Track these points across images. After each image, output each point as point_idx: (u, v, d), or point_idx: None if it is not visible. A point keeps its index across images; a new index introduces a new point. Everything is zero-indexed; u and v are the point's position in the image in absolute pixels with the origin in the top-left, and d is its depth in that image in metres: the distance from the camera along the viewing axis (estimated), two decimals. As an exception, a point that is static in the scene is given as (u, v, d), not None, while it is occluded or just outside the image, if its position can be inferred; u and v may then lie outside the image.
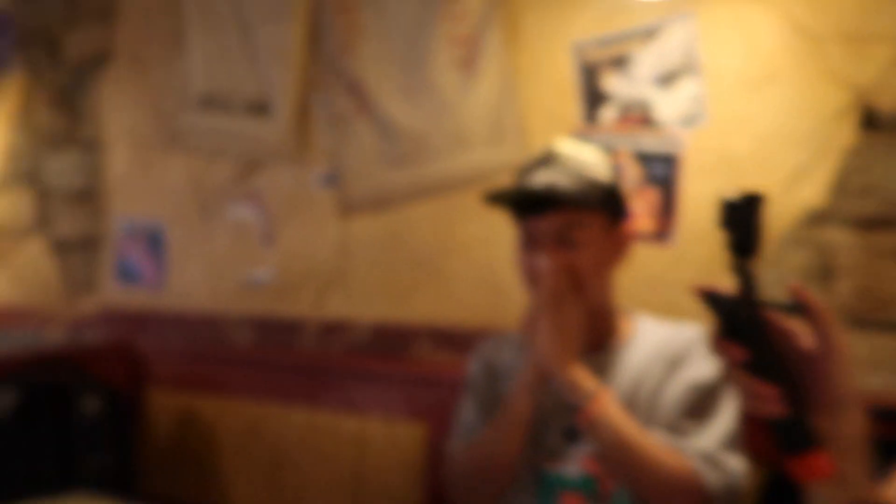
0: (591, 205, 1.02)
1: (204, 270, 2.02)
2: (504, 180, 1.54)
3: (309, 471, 1.71)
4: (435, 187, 1.64)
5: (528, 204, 1.04)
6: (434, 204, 1.64)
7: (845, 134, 1.26)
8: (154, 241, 2.13)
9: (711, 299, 0.63)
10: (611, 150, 1.37)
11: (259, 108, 1.88)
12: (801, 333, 0.62)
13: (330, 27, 1.78)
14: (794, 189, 1.29)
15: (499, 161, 1.55)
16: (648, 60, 1.38)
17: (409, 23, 1.65)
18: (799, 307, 0.62)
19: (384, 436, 1.59)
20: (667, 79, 1.37)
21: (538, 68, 1.52)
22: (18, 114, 2.49)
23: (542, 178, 1.02)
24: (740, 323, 0.61)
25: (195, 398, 1.94)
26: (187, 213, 2.05)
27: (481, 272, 1.59)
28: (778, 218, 1.29)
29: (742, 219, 0.63)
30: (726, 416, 0.98)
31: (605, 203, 1.03)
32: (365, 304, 1.75)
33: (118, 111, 2.21)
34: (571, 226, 1.01)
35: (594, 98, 1.44)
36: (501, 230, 1.53)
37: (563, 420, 1.02)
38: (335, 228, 1.79)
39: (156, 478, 1.93)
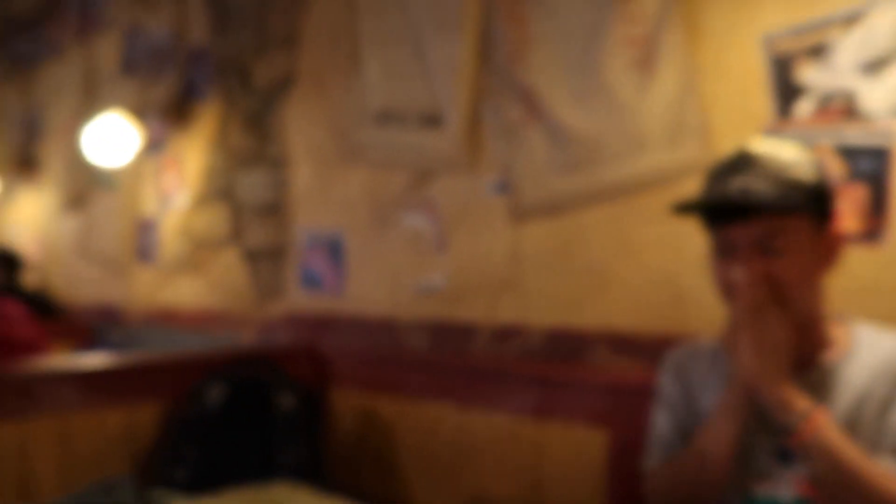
0: (795, 209, 0.95)
1: (380, 277, 2.13)
2: (685, 182, 1.49)
3: (486, 473, 1.75)
4: (609, 191, 1.61)
5: (723, 211, 0.99)
6: (609, 208, 1.62)
7: None
8: (334, 250, 2.27)
9: None
10: (810, 146, 1.28)
11: (432, 120, 1.96)
12: None
13: (500, 37, 1.82)
14: None
15: (679, 163, 1.50)
16: (851, 47, 1.27)
17: (581, 27, 1.65)
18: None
19: (564, 441, 1.59)
20: (873, 66, 1.26)
21: (722, 64, 1.45)
22: (215, 137, 2.78)
23: (737, 183, 0.97)
24: None
25: (375, 398, 2.05)
26: (364, 223, 2.18)
27: (660, 277, 1.54)
28: None
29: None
30: None
31: (811, 205, 0.96)
32: (538, 309, 1.76)
33: (301, 130, 2.40)
34: (773, 233, 0.95)
35: (787, 91, 1.35)
36: (682, 234, 1.48)
37: (772, 440, 0.96)
38: (507, 235, 1.82)
39: (340, 472, 2.06)
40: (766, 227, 0.95)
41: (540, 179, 1.74)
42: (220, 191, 2.75)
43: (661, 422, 1.11)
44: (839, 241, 1.00)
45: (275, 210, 2.50)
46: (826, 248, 0.99)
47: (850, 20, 1.28)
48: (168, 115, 2.98)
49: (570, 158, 1.68)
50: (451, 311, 1.94)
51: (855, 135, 1.28)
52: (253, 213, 2.60)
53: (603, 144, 1.62)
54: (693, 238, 1.45)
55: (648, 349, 1.53)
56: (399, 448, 1.95)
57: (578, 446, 1.55)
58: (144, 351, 2.76)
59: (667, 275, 1.53)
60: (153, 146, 3.09)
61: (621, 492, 1.45)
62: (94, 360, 1.91)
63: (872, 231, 1.26)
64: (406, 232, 2.05)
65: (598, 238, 1.64)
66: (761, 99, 1.39)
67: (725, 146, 1.43)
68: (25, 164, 4.21)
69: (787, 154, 0.99)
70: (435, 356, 1.96)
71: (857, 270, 1.25)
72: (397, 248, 2.08)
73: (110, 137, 2.94)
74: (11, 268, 3.67)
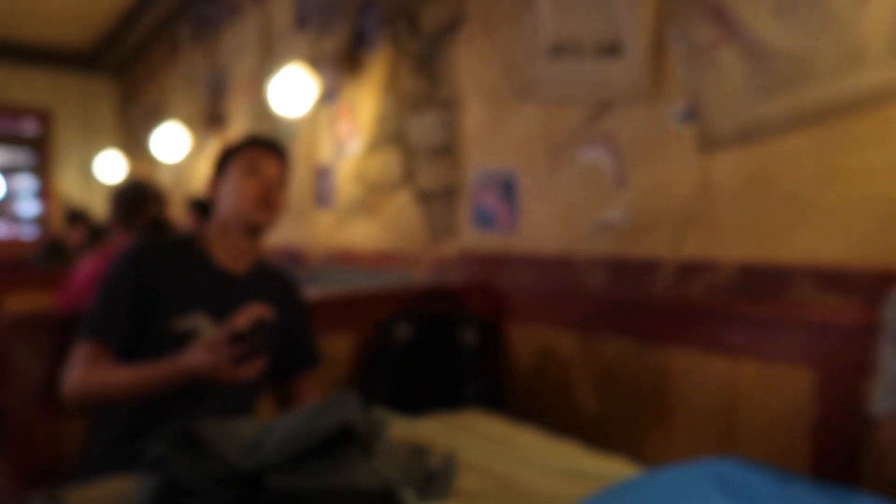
0: None
1: (555, 214, 2.12)
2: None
3: (670, 411, 1.72)
4: (817, 114, 1.48)
5: None
6: (816, 132, 1.49)
7: None
8: (507, 188, 2.29)
9: None
10: None
11: (611, 49, 1.88)
12: None
13: (687, -46, 1.69)
14: None
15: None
16: None
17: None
18: None
19: (760, 381, 1.52)
20: None
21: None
22: (386, 83, 2.86)
23: None
24: None
25: (552, 333, 2.07)
26: (538, 160, 2.16)
27: (878, 206, 1.40)
28: None
29: None
30: None
31: None
32: (730, 243, 1.67)
33: (471, 70, 2.40)
34: None
35: None
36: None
37: None
38: (694, 166, 1.73)
39: (521, 404, 2.12)
40: None
41: (733, 105, 1.63)
42: (392, 135, 2.84)
43: (889, 361, 1.02)
44: None
45: (446, 151, 2.55)
46: None
47: None
48: (340, 64, 3.11)
49: (769, 80, 1.55)
50: (630, 247, 1.90)
51: None
52: (425, 155, 2.67)
53: (811, 62, 1.47)
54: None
55: (863, 285, 1.40)
56: (577, 384, 1.97)
57: (779, 389, 1.47)
58: (329, 288, 2.97)
59: (886, 203, 1.39)
60: (327, 96, 3.25)
61: (830, 438, 1.37)
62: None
63: None
64: (582, 168, 2.02)
65: (802, 165, 1.52)
66: None
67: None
68: (213, 120, 4.60)
69: None
70: (614, 293, 1.93)
71: None
72: (573, 184, 2.05)
73: (289, 89, 3.12)
74: (206, 214, 4.06)
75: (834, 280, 1.46)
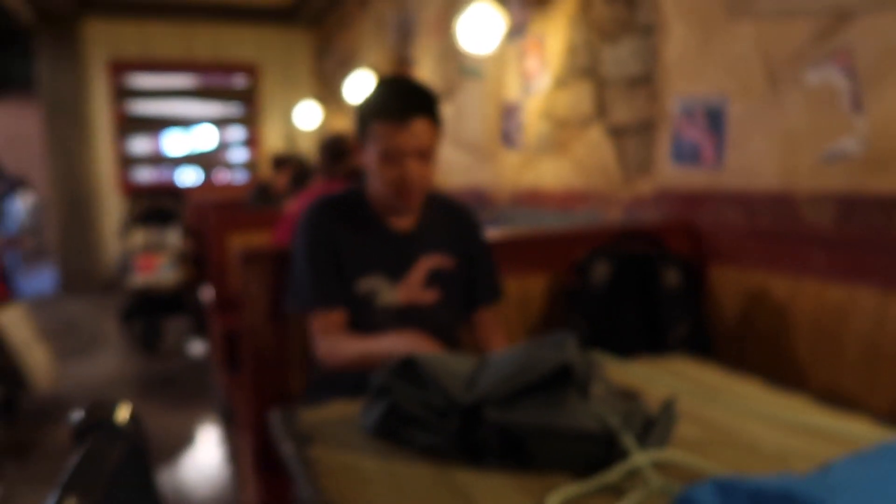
0: None
1: (772, 146, 1.91)
2: None
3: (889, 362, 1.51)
4: None
5: None
6: None
7: None
8: (714, 119, 2.09)
9: None
10: None
11: (852, -50, 1.62)
12: None
13: None
14: None
15: None
16: None
17: None
18: None
19: None
20: None
21: None
22: (576, 13, 2.72)
23: None
24: None
25: (763, 277, 1.89)
26: (752, 86, 1.94)
27: None
28: None
29: None
30: None
31: None
32: None
33: (675, -10, 2.20)
34: None
35: None
36: None
37: None
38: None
39: (726, 349, 1.98)
40: None
41: None
42: (582, 68, 2.72)
43: None
44: None
45: (644, 81, 2.39)
46: None
47: None
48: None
49: None
50: (867, 181, 1.66)
51: None
52: (619, 87, 2.52)
53: None
54: None
55: None
56: (793, 330, 1.79)
57: None
58: (518, 229, 2.97)
59: None
60: (515, 31, 3.17)
61: None
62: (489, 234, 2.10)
63: None
64: (808, 91, 1.78)
65: None
66: None
67: None
68: (401, 64, 4.72)
69: None
70: (845, 232, 1.71)
71: None
72: (796, 111, 1.82)
73: (477, 26, 3.09)
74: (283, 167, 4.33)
75: None
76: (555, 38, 2.88)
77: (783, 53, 1.84)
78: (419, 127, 1.37)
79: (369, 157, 1.45)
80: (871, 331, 1.61)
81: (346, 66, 6.00)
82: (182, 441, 3.16)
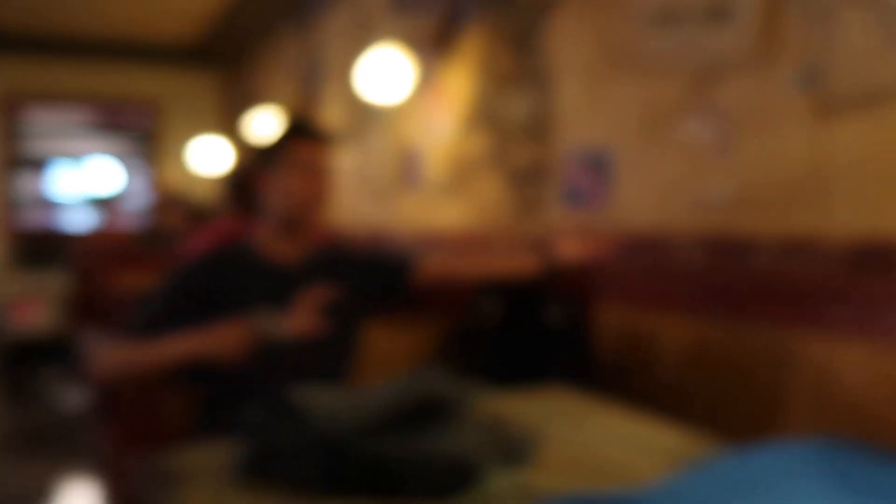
0: None
1: (652, 190, 2.02)
2: None
3: (760, 394, 1.60)
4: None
5: None
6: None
7: None
8: (600, 166, 2.20)
9: None
10: None
11: (719, 13, 1.76)
12: None
13: None
14: None
15: None
16: None
17: None
18: None
19: (865, 367, 1.38)
20: None
21: None
22: (480, 61, 2.82)
23: None
24: None
25: (641, 313, 1.98)
26: (635, 135, 2.06)
27: None
28: None
29: None
30: None
31: None
32: (845, 217, 1.52)
33: (567, 44, 2.32)
34: None
35: None
36: None
37: None
38: (807, 136, 1.59)
39: (609, 384, 2.03)
40: None
41: (859, 67, 1.48)
42: (484, 114, 2.80)
43: None
44: None
45: (539, 128, 2.48)
46: None
47: None
48: (435, 45, 3.09)
49: (901, 37, 1.39)
50: (731, 224, 1.78)
51: None
52: (516, 133, 2.61)
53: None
54: None
55: None
56: (664, 363, 1.87)
57: (886, 373, 1.34)
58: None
59: None
60: (421, 77, 3.24)
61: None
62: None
63: None
64: (682, 141, 1.90)
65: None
66: None
67: None
68: (308, 106, 4.72)
69: None
70: (711, 271, 1.82)
71: None
72: (671, 159, 1.94)
73: (383, 73, 3.13)
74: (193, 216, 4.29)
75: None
76: (458, 84, 2.97)
77: (661, 106, 1.96)
78: (329, 149, 1.57)
79: (277, 179, 1.51)
80: (727, 357, 1.70)
81: (253, 107, 5.94)
82: (49, 496, 2.91)
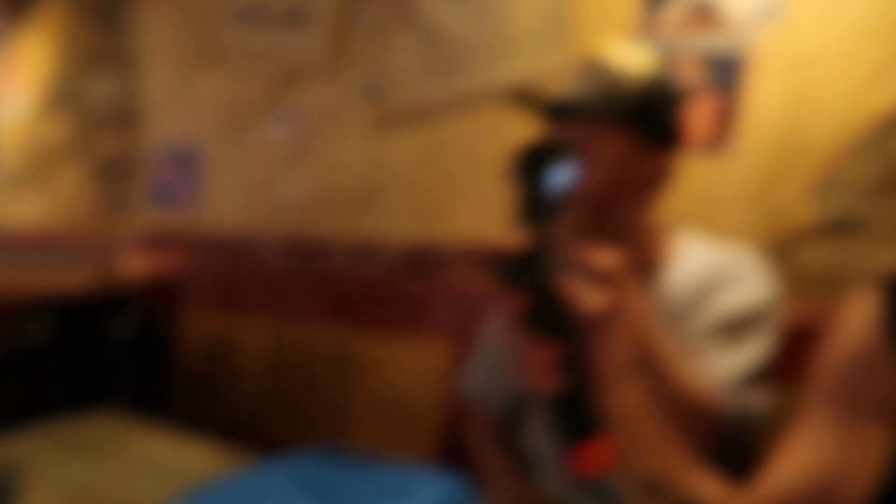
0: (610, 118, 0.86)
1: (238, 190, 1.99)
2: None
3: (335, 390, 1.68)
4: (477, 97, 1.55)
5: (550, 113, 0.89)
6: (474, 116, 1.56)
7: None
8: (190, 161, 2.10)
9: (502, 259, 0.53)
10: (671, 54, 1.27)
11: (296, 18, 1.82)
12: (587, 297, 0.54)
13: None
14: (870, 93, 1.17)
15: (546, 67, 1.46)
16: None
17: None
18: (590, 269, 0.54)
19: (413, 357, 1.55)
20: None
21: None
22: (60, 35, 2.48)
23: (571, 86, 0.89)
24: (527, 277, 0.52)
25: (226, 319, 1.93)
26: (224, 131, 2.01)
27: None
28: (846, 127, 1.18)
29: (534, 171, 0.53)
30: (760, 345, 0.87)
31: (634, 117, 0.87)
32: (398, 223, 1.69)
33: (156, 29, 2.17)
34: (586, 143, 0.86)
35: (654, -5, 1.33)
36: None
37: None
38: (370, 144, 1.73)
39: (187, 398, 1.93)
40: (587, 131, 0.87)
41: (409, 84, 1.65)
42: (65, 96, 2.47)
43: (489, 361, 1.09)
44: (671, 157, 0.91)
45: (126, 118, 2.28)
46: (653, 164, 0.90)
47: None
48: (7, 9, 2.63)
49: (439, 62, 1.60)
50: (310, 224, 1.84)
51: (715, 42, 1.27)
52: (101, 120, 2.35)
53: (471, 47, 1.54)
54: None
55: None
56: (247, 370, 1.85)
57: (426, 361, 1.52)
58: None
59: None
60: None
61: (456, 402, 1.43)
62: None
63: (719, 141, 1.27)
64: (267, 140, 1.92)
65: (460, 148, 1.58)
66: (631, 3, 1.36)
67: (596, 50, 1.39)
68: None
69: (627, 61, 0.90)
70: (294, 272, 1.86)
71: (702, 178, 1.26)
72: (257, 158, 1.94)
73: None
74: None
75: (481, 257, 1.54)
76: (34, 58, 2.57)
77: (248, 104, 1.95)
78: None
79: None
80: (310, 358, 1.76)
81: None
82: None
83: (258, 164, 1.93)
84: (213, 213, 2.04)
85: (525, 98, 0.94)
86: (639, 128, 0.88)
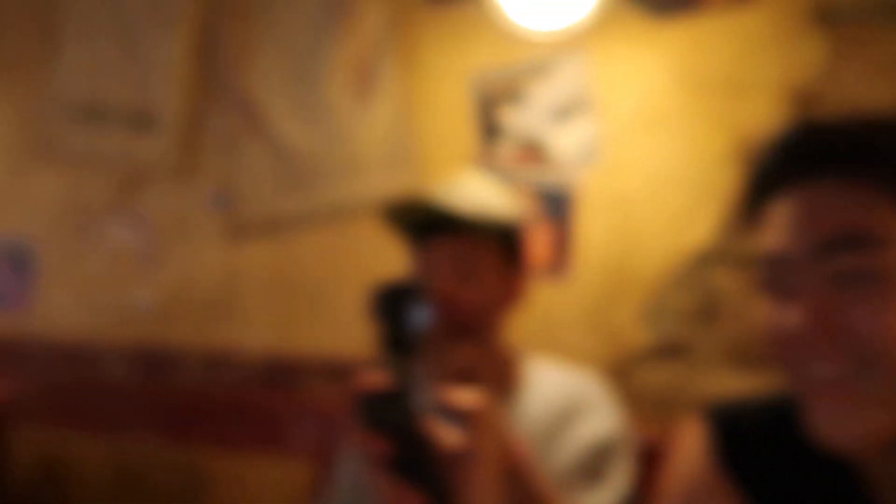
0: (490, 233, 0.95)
1: (76, 294, 1.86)
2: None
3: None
4: (328, 213, 1.57)
5: (426, 224, 0.97)
6: (327, 230, 1.58)
7: (730, 176, 1.30)
8: (20, 261, 1.94)
9: (365, 398, 0.53)
10: (508, 184, 1.36)
11: (142, 122, 1.75)
12: (449, 437, 0.55)
13: (222, 39, 1.68)
14: (682, 230, 1.32)
15: (394, 189, 1.51)
16: (543, 97, 1.37)
17: (304, 41, 1.58)
18: (451, 411, 0.56)
19: (271, 475, 1.51)
20: (561, 115, 1.37)
21: (436, 97, 1.49)
22: None
23: (444, 200, 0.96)
24: (390, 419, 0.53)
25: (61, 437, 1.78)
26: (60, 232, 1.88)
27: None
28: (666, 259, 1.31)
29: (395, 310, 0.56)
30: (621, 478, 0.94)
31: (504, 236, 0.97)
32: (253, 334, 1.66)
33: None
34: (467, 254, 0.94)
35: (491, 130, 1.42)
36: (392, 260, 1.50)
37: None
38: (223, 253, 1.69)
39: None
40: (462, 245, 0.94)
41: (260, 196, 1.64)
42: None
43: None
44: (525, 278, 1.00)
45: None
46: (512, 283, 0.99)
47: (543, 71, 1.38)
48: None
49: (290, 176, 1.60)
50: (157, 334, 1.75)
51: (545, 177, 1.38)
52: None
53: (322, 164, 1.57)
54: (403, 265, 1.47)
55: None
56: (86, 494, 1.71)
57: (285, 479, 1.49)
58: None
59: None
60: None
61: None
62: None
63: (557, 268, 1.37)
64: (109, 244, 1.81)
65: (315, 260, 1.59)
66: (470, 135, 1.45)
67: (439, 176, 1.46)
68: None
69: (492, 187, 1.00)
70: (140, 385, 1.75)
71: (542, 302, 1.35)
72: (98, 261, 1.83)
73: None
74: None
75: (337, 372, 1.54)
76: None
77: (89, 204, 1.84)
78: None
79: None
80: (157, 479, 1.66)
81: None
82: None
83: (101, 267, 1.83)
84: (47, 319, 1.89)
85: (401, 210, 0.98)
86: (503, 245, 0.97)
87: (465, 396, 0.57)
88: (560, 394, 0.99)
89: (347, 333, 1.55)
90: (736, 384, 1.26)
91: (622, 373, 1.32)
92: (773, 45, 1.27)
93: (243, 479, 1.56)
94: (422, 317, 0.56)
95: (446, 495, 0.53)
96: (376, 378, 0.53)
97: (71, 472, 1.75)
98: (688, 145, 1.30)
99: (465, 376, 0.93)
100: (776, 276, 0.56)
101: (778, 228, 0.55)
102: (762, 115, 1.27)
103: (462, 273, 0.95)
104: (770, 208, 0.57)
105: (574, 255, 1.36)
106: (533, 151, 1.38)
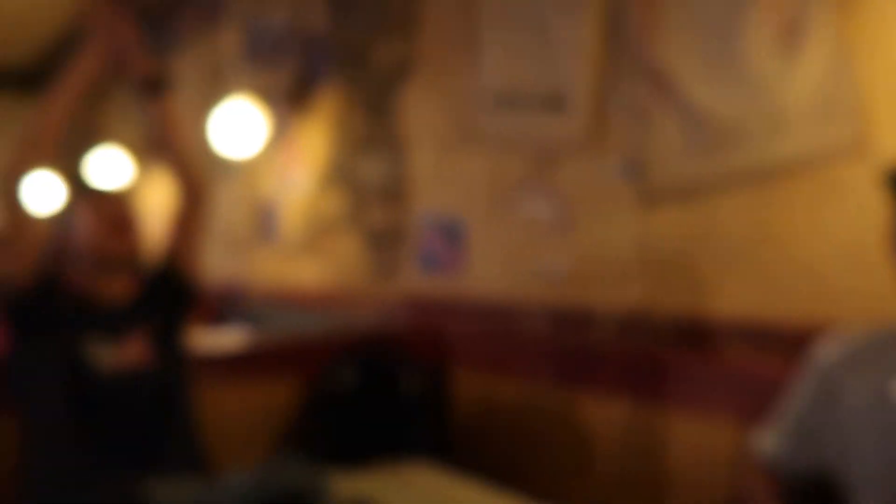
0: None
1: (500, 261, 2.15)
2: (836, 166, 1.41)
3: (605, 458, 1.75)
4: (750, 176, 1.55)
5: None
6: (749, 194, 1.55)
7: None
8: (453, 234, 2.30)
9: None
10: None
11: (555, 103, 1.94)
12: None
13: (628, 15, 1.77)
14: None
15: (829, 146, 1.42)
16: None
17: (718, 4, 1.58)
18: None
19: (690, 434, 1.56)
20: None
21: (880, 40, 1.35)
22: (336, 122, 2.86)
23: None
24: None
25: (495, 381, 2.08)
26: (484, 207, 2.19)
27: (804, 267, 1.47)
28: None
29: None
30: None
31: None
32: (667, 297, 1.72)
33: (420, 114, 2.43)
34: None
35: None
36: (831, 221, 1.41)
37: None
38: (635, 220, 1.78)
39: (465, 453, 2.11)
40: None
41: (671, 164, 1.69)
42: (340, 174, 2.84)
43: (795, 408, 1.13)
44: None
45: (394, 193, 2.56)
46: None
47: None
48: (289, 101, 3.09)
49: (705, 142, 1.62)
50: (573, 296, 1.93)
51: None
52: (373, 196, 2.67)
53: (742, 126, 1.54)
54: (843, 226, 1.39)
55: (787, 341, 1.46)
56: (520, 432, 1.98)
57: (708, 439, 1.52)
58: (272, 329, 2.92)
59: (811, 264, 1.46)
60: (275, 132, 3.23)
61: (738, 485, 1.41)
62: (234, 341, 2.05)
63: None
64: (529, 215, 2.05)
65: (736, 224, 1.58)
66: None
67: (882, 128, 1.34)
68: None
69: None
70: (555, 342, 1.96)
71: None
72: (517, 232, 2.09)
73: (237, 125, 3.08)
74: None
75: (760, 336, 1.51)
76: (315, 142, 2.99)
77: (508, 182, 2.11)
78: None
79: None
80: (574, 427, 1.84)
81: (87, 143, 5.55)
82: None
83: (519, 236, 2.08)
84: (475, 281, 2.22)
85: None
86: None
87: None
88: None
89: (772, 296, 1.52)
90: None
91: None
92: None
93: (663, 430, 1.65)
94: None
95: None
96: None
97: (501, 408, 2.04)
98: None
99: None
100: None
101: None
102: None
103: None
104: None
105: None
106: None
